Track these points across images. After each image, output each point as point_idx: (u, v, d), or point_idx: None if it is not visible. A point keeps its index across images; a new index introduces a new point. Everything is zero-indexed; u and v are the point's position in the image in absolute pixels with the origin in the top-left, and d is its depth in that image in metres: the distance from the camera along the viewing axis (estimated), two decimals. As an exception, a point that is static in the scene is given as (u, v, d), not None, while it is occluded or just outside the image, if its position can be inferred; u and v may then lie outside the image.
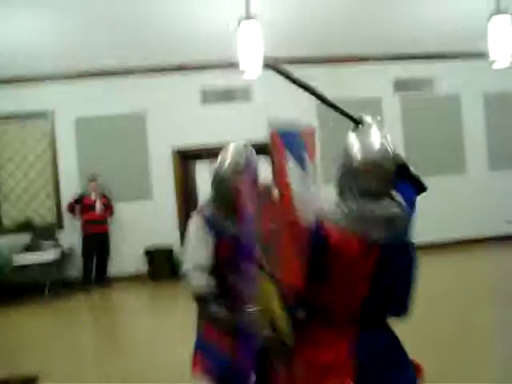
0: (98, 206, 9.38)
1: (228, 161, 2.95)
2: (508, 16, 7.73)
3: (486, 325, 5.76)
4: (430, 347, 4.77)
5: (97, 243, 9.40)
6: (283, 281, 2.17)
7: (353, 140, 2.41)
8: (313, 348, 2.27)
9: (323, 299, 2.25)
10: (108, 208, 9.54)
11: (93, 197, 9.43)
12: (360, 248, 2.16)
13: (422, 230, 10.22)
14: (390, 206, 2.22)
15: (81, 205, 9.44)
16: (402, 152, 8.98)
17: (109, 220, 9.64)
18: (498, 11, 7.79)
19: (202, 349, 2.92)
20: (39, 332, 6.84)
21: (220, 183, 2.94)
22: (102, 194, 9.55)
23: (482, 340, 5.25)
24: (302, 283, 2.11)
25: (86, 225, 9.40)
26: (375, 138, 2.32)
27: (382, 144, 2.27)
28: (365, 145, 2.30)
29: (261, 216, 2.38)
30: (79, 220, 9.48)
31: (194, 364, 2.93)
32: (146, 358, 5.48)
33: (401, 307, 2.32)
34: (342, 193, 2.27)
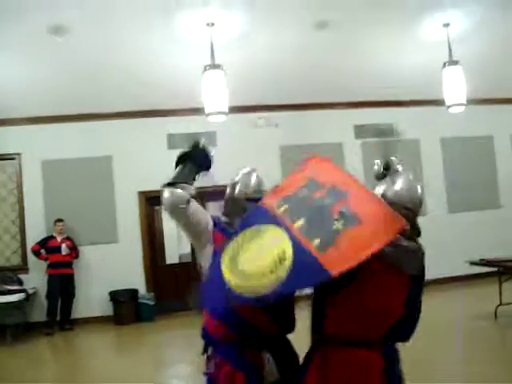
0: (64, 248, 9.38)
1: (239, 184, 3.04)
2: (459, 67, 8.20)
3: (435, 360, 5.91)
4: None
5: (62, 285, 9.35)
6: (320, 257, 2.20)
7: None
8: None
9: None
10: (73, 250, 9.55)
11: (58, 239, 9.45)
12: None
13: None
14: (419, 245, 2.65)
15: (46, 247, 9.43)
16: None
17: (74, 262, 9.62)
18: (451, 62, 8.26)
19: None
20: (-1, 375, 6.76)
21: (232, 203, 3.02)
22: (68, 236, 9.57)
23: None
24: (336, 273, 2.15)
25: (51, 267, 9.37)
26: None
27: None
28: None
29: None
30: (44, 262, 9.45)
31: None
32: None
33: (412, 331, 2.62)
34: None
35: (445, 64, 8.28)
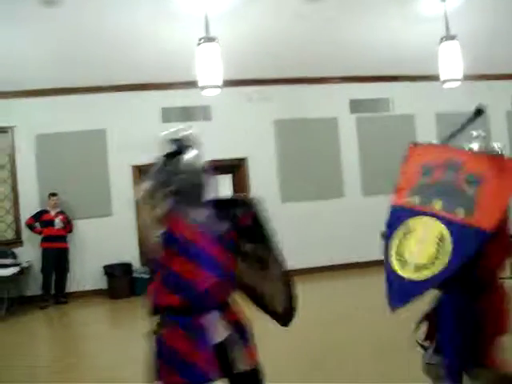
0: (57, 222, 9.37)
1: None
2: (456, 42, 8.15)
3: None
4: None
5: (56, 259, 9.35)
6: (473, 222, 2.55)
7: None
8: None
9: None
10: (67, 225, 9.53)
11: (52, 213, 9.43)
12: None
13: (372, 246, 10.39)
14: None
15: (40, 221, 9.42)
16: (357, 170, 9.29)
17: (68, 236, 9.62)
18: (448, 37, 8.20)
19: (170, 362, 2.85)
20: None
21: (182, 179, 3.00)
22: (61, 210, 9.55)
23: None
24: (491, 227, 2.53)
25: (45, 241, 9.37)
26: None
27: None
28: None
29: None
30: (39, 236, 9.44)
31: (160, 378, 2.86)
32: (103, 374, 5.49)
33: None
34: None
35: (442, 39, 8.23)
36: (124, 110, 10.11)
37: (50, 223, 9.34)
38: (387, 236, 2.81)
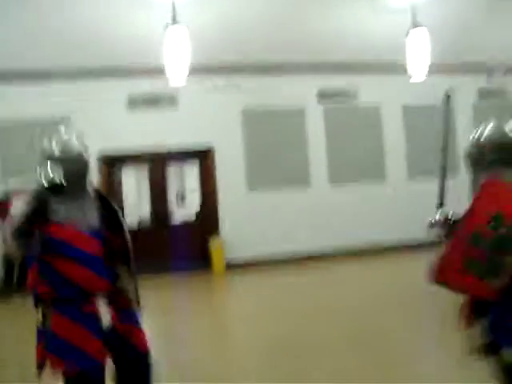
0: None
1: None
2: (424, 28, 8.15)
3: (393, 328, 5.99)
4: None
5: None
6: None
7: None
8: None
9: None
10: None
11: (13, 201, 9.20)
12: None
13: (339, 236, 10.44)
14: None
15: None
16: (324, 161, 9.30)
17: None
18: (415, 24, 8.20)
19: (58, 350, 2.93)
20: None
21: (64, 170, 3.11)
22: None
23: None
24: None
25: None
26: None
27: None
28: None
29: None
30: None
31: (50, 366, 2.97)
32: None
33: None
34: None
35: (408, 31, 8.26)
36: (89, 97, 9.85)
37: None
38: None
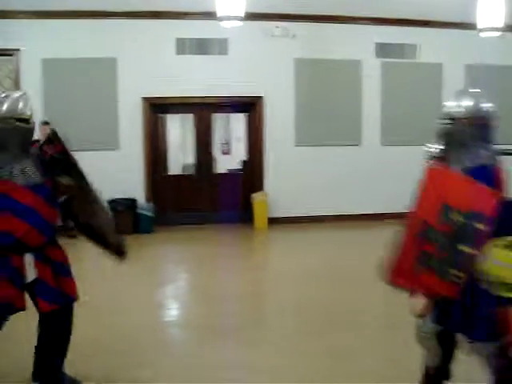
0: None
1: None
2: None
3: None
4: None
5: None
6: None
7: None
8: None
9: None
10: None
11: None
12: None
13: (389, 197, 9.97)
14: None
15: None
16: (378, 117, 8.79)
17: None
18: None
19: None
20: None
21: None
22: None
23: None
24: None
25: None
26: None
27: None
28: None
29: None
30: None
31: None
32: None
33: None
34: None
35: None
36: (136, 39, 9.54)
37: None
38: None
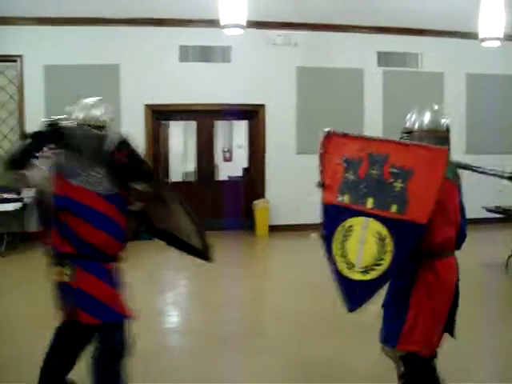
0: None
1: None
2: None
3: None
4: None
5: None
6: (407, 217, 2.61)
7: None
8: None
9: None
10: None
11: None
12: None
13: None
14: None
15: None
16: (380, 126, 8.81)
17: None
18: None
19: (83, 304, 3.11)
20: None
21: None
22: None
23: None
24: (426, 220, 2.60)
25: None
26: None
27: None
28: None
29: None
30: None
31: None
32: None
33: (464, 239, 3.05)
34: None
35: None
36: (140, 46, 9.61)
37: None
38: (326, 237, 2.88)
